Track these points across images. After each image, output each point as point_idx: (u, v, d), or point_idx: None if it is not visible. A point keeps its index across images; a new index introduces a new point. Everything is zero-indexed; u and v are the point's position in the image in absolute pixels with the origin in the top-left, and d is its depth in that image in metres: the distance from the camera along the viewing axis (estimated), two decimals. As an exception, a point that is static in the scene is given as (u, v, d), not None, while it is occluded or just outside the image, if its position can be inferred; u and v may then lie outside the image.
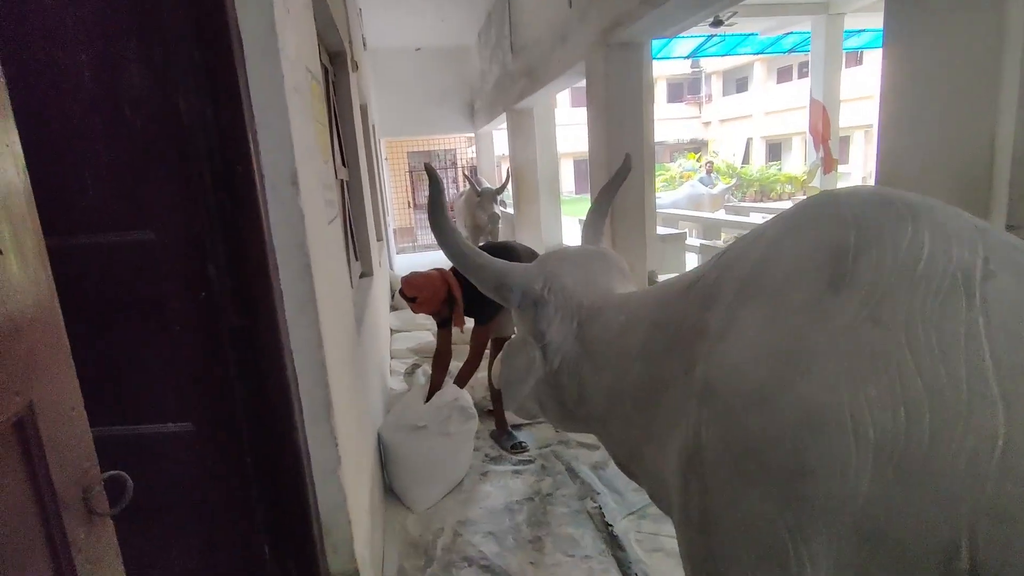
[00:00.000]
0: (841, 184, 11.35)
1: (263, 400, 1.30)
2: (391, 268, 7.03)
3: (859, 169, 21.74)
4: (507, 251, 2.99)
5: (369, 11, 7.08)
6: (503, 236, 8.90)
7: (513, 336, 1.34)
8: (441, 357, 2.89)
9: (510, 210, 8.80)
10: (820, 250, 0.75)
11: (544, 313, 1.25)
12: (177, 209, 1.20)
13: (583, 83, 4.96)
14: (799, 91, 23.87)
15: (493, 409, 3.08)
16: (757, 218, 8.29)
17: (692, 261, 6.91)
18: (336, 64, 3.24)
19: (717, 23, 7.04)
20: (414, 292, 2.67)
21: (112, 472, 0.71)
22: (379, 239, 5.37)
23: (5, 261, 0.58)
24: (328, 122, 2.80)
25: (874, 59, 20.46)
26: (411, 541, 2.16)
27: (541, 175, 7.23)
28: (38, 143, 1.13)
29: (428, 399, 2.64)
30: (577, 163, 27.82)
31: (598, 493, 2.38)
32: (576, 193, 27.03)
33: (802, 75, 24.81)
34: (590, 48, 4.05)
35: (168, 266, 1.21)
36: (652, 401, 1.00)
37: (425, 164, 1.32)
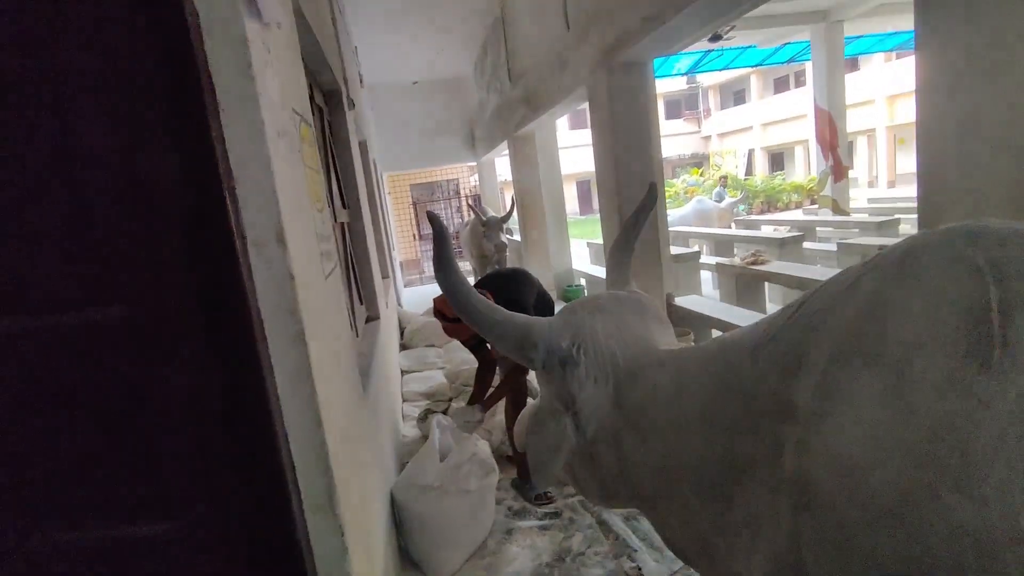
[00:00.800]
0: (854, 191, 11.14)
1: (255, 492, 1.13)
2: (399, 304, 6.88)
3: (864, 174, 21.63)
4: (517, 279, 2.85)
5: (364, 48, 7.09)
6: (510, 264, 8.77)
7: (538, 401, 1.16)
8: (485, 373, 2.83)
9: (517, 237, 8.68)
10: (949, 308, 0.57)
11: (574, 374, 1.08)
12: (147, 280, 1.04)
13: (584, 106, 4.86)
14: (797, 100, 23.92)
15: (513, 455, 2.89)
16: (768, 230, 8.11)
17: (707, 280, 6.72)
18: (332, 103, 3.14)
19: (716, 38, 6.98)
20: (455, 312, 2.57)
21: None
22: (385, 276, 5.24)
23: None
24: (326, 165, 2.68)
25: (871, 64, 20.47)
26: (433, 618, 1.96)
27: (547, 200, 7.13)
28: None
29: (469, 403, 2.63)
30: (579, 184, 27.85)
31: (635, 550, 2.16)
32: (581, 214, 27.00)
33: (799, 84, 24.88)
34: (592, 70, 3.95)
35: (139, 346, 1.05)
36: (721, 488, 0.82)
37: (428, 213, 1.16)
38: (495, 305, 1.17)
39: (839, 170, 8.27)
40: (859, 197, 13.27)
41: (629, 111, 3.76)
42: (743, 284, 4.80)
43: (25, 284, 1.03)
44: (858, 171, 20.81)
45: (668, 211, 11.18)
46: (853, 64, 20.13)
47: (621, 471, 1.05)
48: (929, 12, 1.75)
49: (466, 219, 9.99)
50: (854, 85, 17.98)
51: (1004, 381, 0.52)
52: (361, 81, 6.52)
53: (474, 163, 11.12)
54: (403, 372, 4.74)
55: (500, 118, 7.48)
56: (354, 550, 1.31)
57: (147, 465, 1.10)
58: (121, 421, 1.08)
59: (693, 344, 1.18)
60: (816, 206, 9.17)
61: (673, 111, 30.04)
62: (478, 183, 11.86)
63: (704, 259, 6.51)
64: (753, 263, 4.69)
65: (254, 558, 1.16)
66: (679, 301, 4.40)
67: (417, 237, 14.58)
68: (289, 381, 1.15)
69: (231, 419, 1.10)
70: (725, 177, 11.48)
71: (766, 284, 4.84)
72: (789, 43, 9.30)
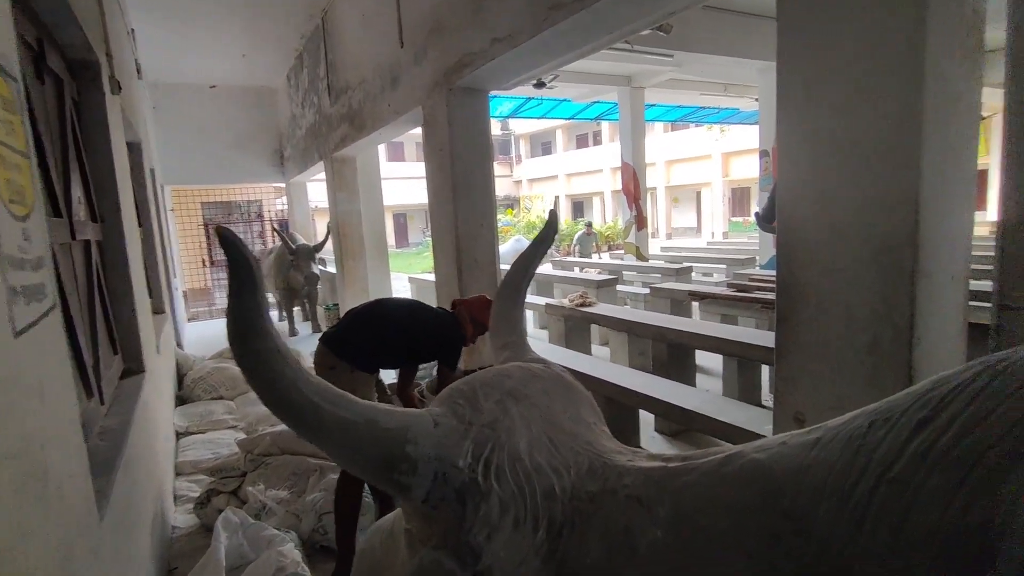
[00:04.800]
0: (654, 241, 12.39)
1: None
2: (179, 346, 5.63)
3: (651, 225, 24.64)
4: (382, 316, 2.32)
5: (148, 36, 5.88)
6: (323, 298, 7.92)
7: (420, 557, 0.69)
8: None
9: (331, 269, 7.87)
10: None
11: (483, 513, 0.65)
12: None
13: (409, 133, 4.49)
14: (595, 156, 26.72)
15: (339, 542, 2.24)
16: (577, 271, 8.51)
17: (529, 319, 6.70)
18: (83, 79, 2.30)
19: (540, 85, 7.22)
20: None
21: None
22: (159, 312, 4.17)
23: None
24: (63, 159, 1.88)
25: (653, 132, 23.72)
26: None
27: (367, 229, 6.53)
28: None
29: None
30: (396, 217, 27.36)
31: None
32: (397, 247, 26.42)
33: (596, 142, 27.85)
34: (429, 91, 3.61)
35: None
36: None
37: (220, 230, 0.63)
38: (342, 392, 0.69)
39: (641, 220, 9.07)
40: (651, 246, 14.92)
41: (469, 138, 3.49)
42: (572, 325, 4.77)
43: None
44: (648, 222, 23.79)
45: (488, 249, 11.32)
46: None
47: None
48: (788, 70, 1.73)
49: (270, 246, 8.84)
50: (643, 147, 20.69)
51: None
52: (139, 71, 5.34)
53: (282, 184, 10.01)
54: (179, 434, 3.74)
55: (316, 136, 6.75)
56: None
57: None
58: None
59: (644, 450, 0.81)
60: (622, 251, 9.93)
61: (488, 154, 31.42)
62: (286, 206, 10.69)
63: (528, 299, 6.49)
64: (581, 304, 4.70)
65: None
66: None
67: (208, 263, 12.67)
68: None
69: None
70: (590, 223, 12.04)
71: (592, 326, 4.89)
72: (598, 101, 10.12)
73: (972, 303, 1.75)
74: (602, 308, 4.61)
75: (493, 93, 3.76)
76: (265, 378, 0.65)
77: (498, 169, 31.39)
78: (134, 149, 3.95)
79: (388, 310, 2.39)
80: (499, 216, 22.87)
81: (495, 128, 28.87)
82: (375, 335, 2.26)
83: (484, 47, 2.91)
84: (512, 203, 29.97)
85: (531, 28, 2.54)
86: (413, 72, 3.83)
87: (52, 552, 0.91)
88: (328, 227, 6.79)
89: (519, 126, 29.65)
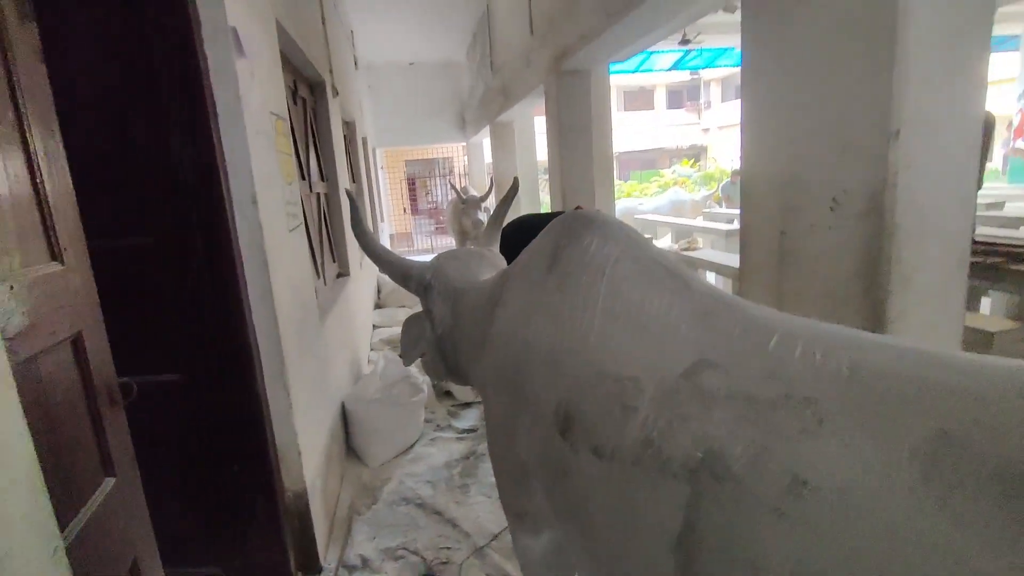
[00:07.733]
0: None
1: (232, 360, 1.80)
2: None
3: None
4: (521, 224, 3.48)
5: (363, 29, 7.63)
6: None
7: (416, 315, 1.84)
8: None
9: (496, 216, 9.28)
10: (549, 246, 1.24)
11: (432, 295, 1.74)
12: (169, 223, 1.70)
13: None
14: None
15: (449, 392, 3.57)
16: (724, 222, 8.71)
17: (661, 264, 7.35)
18: (317, 93, 3.76)
19: (685, 42, 7.54)
20: None
21: (123, 379, 1.21)
22: (365, 243, 5.88)
23: (67, 266, 1.08)
24: (306, 146, 3.32)
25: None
26: (363, 486, 2.66)
27: (522, 184, 7.72)
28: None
29: None
30: (577, 169, 28.34)
31: (523, 454, 2.86)
32: (575, 198, 27.43)
33: (799, 82, 25.22)
34: (546, 73, 4.55)
35: (163, 263, 1.72)
36: (479, 354, 1.49)
37: (345, 190, 1.82)
38: (390, 250, 1.83)
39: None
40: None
41: (574, 112, 4.38)
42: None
43: (99, 221, 1.68)
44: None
45: (645, 200, 11.84)
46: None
47: (455, 357, 1.72)
48: (751, 51, 2.36)
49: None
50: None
51: (552, 278, 1.18)
52: (356, 64, 7.09)
53: (464, 143, 11.68)
54: (376, 327, 5.43)
55: (485, 104, 8.05)
56: (297, 410, 1.99)
57: (166, 335, 1.77)
58: (150, 305, 1.75)
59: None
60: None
61: (675, 101, 30.34)
62: (467, 163, 12.42)
63: (658, 245, 7.15)
64: (687, 249, 5.36)
65: (231, 403, 1.84)
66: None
67: (409, 211, 15.19)
68: (257, 292, 1.81)
69: (218, 311, 1.77)
70: (737, 172, 12.02)
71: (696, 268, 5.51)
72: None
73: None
74: (702, 253, 5.23)
75: (651, 49, 4.43)
76: (368, 249, 1.82)
77: (685, 116, 30.11)
78: (350, 126, 5.59)
79: (529, 219, 3.47)
80: (675, 167, 22.34)
81: (683, 74, 27.79)
82: (522, 240, 3.38)
83: (573, 42, 3.76)
84: (698, 152, 28.89)
85: (606, 22, 3.34)
86: (538, 56, 4.79)
87: (308, 322, 2.23)
88: (490, 180, 8.14)
89: (711, 70, 28.09)
